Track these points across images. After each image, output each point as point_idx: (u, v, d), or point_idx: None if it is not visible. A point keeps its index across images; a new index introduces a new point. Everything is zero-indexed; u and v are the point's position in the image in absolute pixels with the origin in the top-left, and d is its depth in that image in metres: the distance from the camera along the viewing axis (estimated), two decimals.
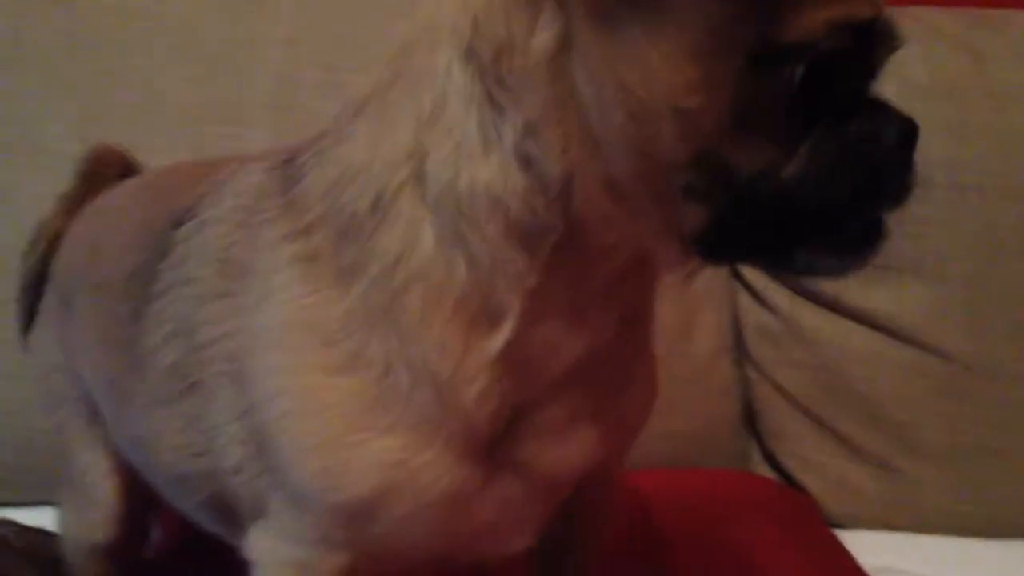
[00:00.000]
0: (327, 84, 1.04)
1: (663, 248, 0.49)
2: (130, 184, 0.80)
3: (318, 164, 0.54)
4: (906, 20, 0.92)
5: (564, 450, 0.55)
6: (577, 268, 0.49)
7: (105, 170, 0.83)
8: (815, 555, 0.90)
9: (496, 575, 0.69)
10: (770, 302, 1.11)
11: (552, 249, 0.48)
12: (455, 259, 0.48)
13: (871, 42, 0.46)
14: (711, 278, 1.12)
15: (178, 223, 0.63)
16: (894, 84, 1.09)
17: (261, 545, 0.58)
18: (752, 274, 1.13)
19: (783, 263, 0.48)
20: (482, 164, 0.47)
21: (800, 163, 0.44)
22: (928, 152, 1.05)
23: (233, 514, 0.61)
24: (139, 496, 0.74)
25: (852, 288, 1.06)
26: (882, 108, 0.47)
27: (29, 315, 0.81)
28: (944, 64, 1.08)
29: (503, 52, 0.46)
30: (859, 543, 0.95)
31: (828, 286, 1.07)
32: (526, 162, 0.46)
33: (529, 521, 0.57)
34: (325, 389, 0.52)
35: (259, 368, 0.54)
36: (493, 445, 0.52)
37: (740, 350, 1.14)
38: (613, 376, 0.55)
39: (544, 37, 0.45)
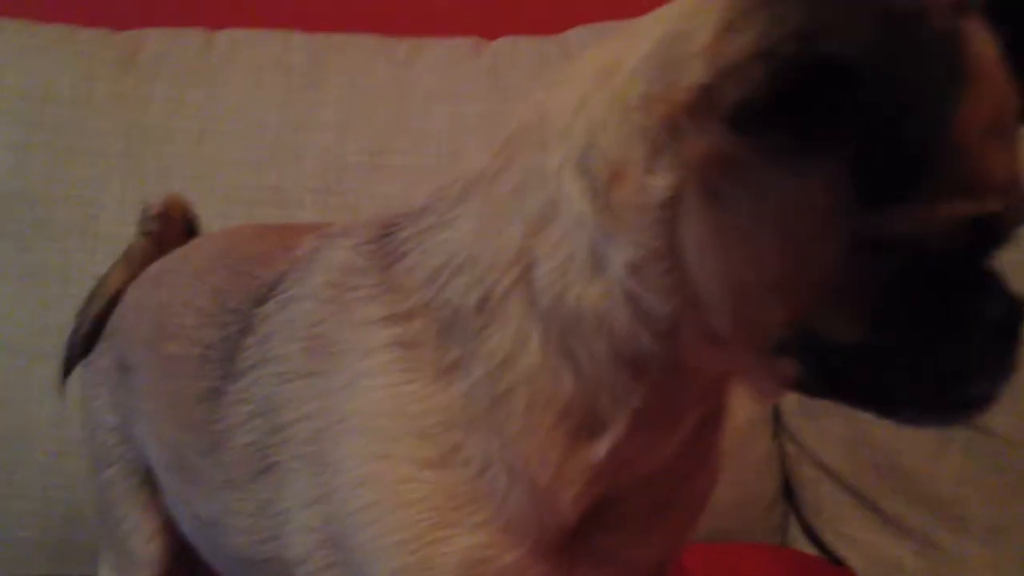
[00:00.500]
0: (372, 167, 1.09)
1: (760, 384, 0.50)
2: (198, 249, 0.79)
3: (420, 246, 0.52)
4: None
5: (645, 539, 0.55)
6: (677, 387, 0.49)
7: (170, 227, 0.83)
8: None
9: None
10: None
11: (659, 379, 0.48)
12: (562, 370, 0.48)
13: (1000, 231, 0.43)
14: None
15: (261, 300, 0.62)
16: None
17: None
18: None
19: (886, 415, 0.47)
20: (590, 285, 0.47)
21: (890, 340, 0.43)
22: None
23: None
24: (183, 559, 0.74)
25: None
26: (991, 285, 0.45)
27: (69, 367, 0.81)
28: None
29: (618, 178, 0.45)
30: None
31: None
32: (632, 298, 0.46)
33: None
34: (416, 482, 0.50)
35: (344, 454, 0.52)
36: (578, 537, 0.52)
37: (778, 423, 1.14)
38: (689, 466, 0.56)
39: (661, 181, 0.44)
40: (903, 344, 0.44)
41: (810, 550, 1.11)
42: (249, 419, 0.59)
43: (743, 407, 1.10)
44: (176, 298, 0.73)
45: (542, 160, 0.48)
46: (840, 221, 0.41)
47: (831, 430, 1.09)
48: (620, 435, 0.49)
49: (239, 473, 0.60)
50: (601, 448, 0.49)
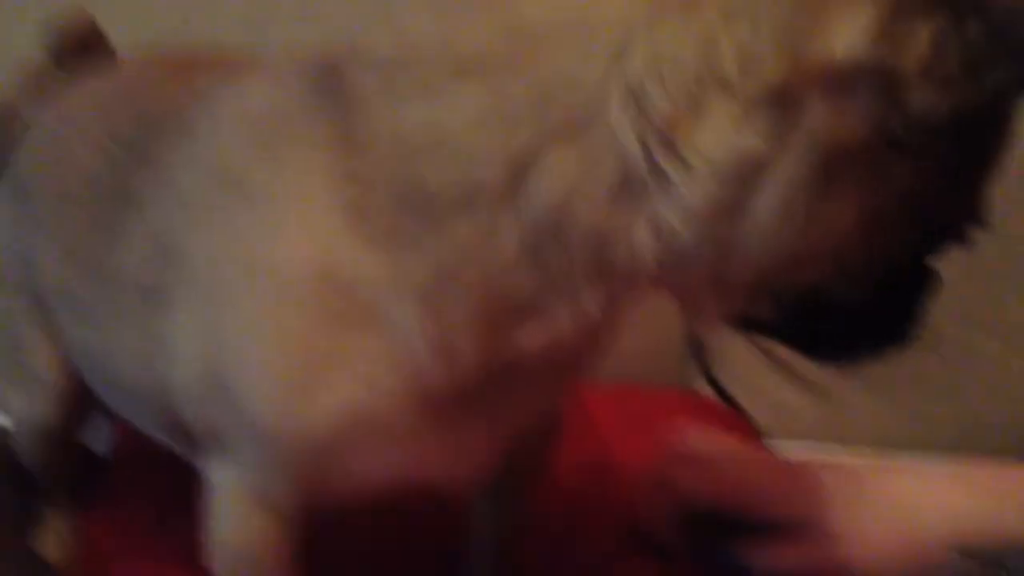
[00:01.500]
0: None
1: (709, 310, 0.50)
2: (102, 80, 0.76)
3: (392, 107, 0.47)
4: None
5: (531, 396, 0.56)
6: (629, 296, 0.50)
7: (76, 47, 0.79)
8: None
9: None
10: None
11: (622, 285, 0.48)
12: (527, 274, 0.46)
13: None
14: None
15: (161, 131, 0.60)
16: None
17: (219, 471, 0.59)
18: None
19: (809, 355, 0.54)
20: (612, 209, 0.43)
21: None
22: None
23: (188, 434, 0.60)
24: (85, 386, 0.74)
25: None
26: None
27: None
28: None
29: (685, 123, 0.41)
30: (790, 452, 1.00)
31: None
32: (663, 233, 0.43)
33: (486, 461, 0.58)
34: (323, 339, 0.49)
35: (247, 305, 0.51)
36: (473, 394, 0.51)
37: None
38: (590, 338, 0.56)
39: (755, 143, 0.41)
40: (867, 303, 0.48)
41: (709, 394, 1.16)
42: (144, 252, 0.58)
43: None
44: (73, 129, 0.70)
45: (579, 70, 0.43)
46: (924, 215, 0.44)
47: None
48: (558, 328, 0.48)
49: (130, 304, 0.60)
50: (537, 338, 0.49)
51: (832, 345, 0.52)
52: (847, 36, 0.39)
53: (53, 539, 0.85)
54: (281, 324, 0.50)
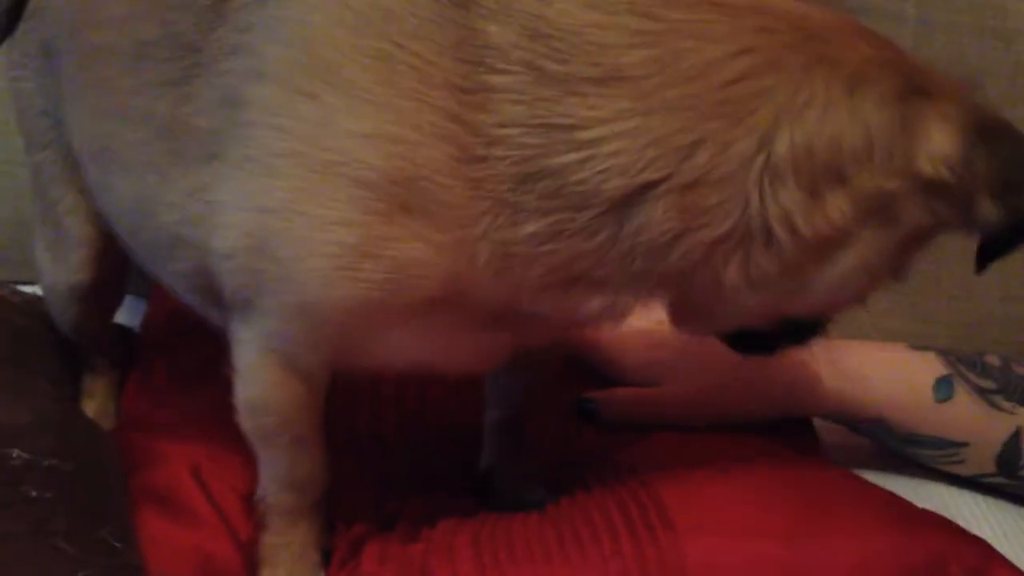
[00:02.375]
0: None
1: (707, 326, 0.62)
2: None
3: (534, 79, 0.49)
4: None
5: (545, 327, 0.61)
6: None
7: None
8: None
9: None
10: None
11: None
12: (606, 267, 0.53)
13: None
14: None
15: None
16: None
17: (250, 337, 0.60)
18: None
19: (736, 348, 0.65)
20: (704, 251, 0.52)
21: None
22: None
23: (219, 297, 0.61)
24: (116, 240, 0.75)
25: None
26: None
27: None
28: None
29: (803, 201, 0.51)
30: None
31: None
32: (748, 273, 0.53)
33: (503, 357, 0.64)
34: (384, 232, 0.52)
35: (313, 190, 0.52)
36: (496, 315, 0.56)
37: None
38: None
39: (846, 218, 0.52)
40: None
41: None
42: (214, 106, 0.57)
43: None
44: None
45: (728, 137, 0.49)
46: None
47: None
48: (606, 309, 0.55)
49: (185, 153, 0.60)
50: (584, 308, 0.55)
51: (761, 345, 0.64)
52: (941, 149, 0.51)
53: (94, 406, 0.87)
54: (344, 211, 0.51)
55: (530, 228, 0.51)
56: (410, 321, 0.55)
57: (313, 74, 0.52)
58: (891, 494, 0.69)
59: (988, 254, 0.55)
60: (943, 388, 0.82)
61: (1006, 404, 0.81)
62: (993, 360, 0.83)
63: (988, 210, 0.51)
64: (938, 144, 0.51)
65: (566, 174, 0.49)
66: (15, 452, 0.65)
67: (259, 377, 0.62)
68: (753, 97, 0.49)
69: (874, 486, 0.71)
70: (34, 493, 0.63)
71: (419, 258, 0.52)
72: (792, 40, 0.50)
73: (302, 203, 0.52)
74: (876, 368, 0.83)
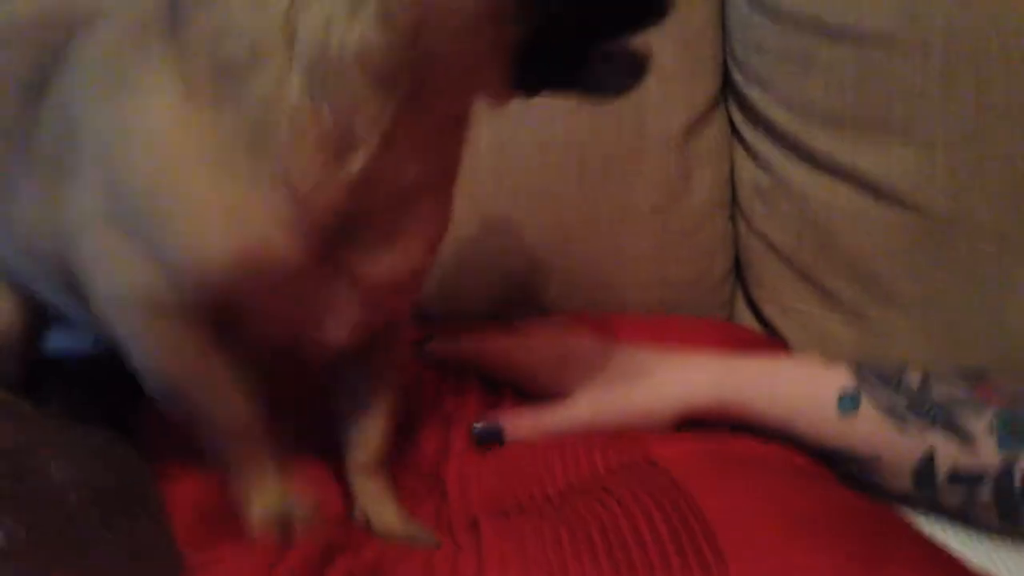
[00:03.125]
0: None
1: (485, 78, 0.62)
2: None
3: (202, 13, 0.62)
4: None
5: (384, 260, 0.67)
6: (420, 111, 0.61)
7: None
8: None
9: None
10: (764, 160, 1.17)
11: (404, 94, 0.60)
12: (320, 106, 0.60)
13: None
14: (711, 137, 1.18)
15: (62, 45, 0.72)
16: None
17: (113, 294, 0.67)
18: (750, 133, 1.18)
19: (575, 83, 0.63)
20: (350, 28, 0.58)
21: None
22: (931, 18, 1.09)
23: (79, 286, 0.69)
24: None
25: (845, 148, 1.11)
26: None
27: None
28: None
29: None
30: None
31: (820, 146, 1.12)
32: (383, 22, 0.58)
33: (351, 321, 0.70)
34: (199, 187, 0.62)
35: (135, 164, 0.64)
36: (331, 249, 0.64)
37: (735, 206, 1.21)
38: (427, 206, 0.68)
39: None
40: None
41: (752, 323, 1.20)
42: (56, 134, 0.69)
43: (702, 192, 1.16)
44: None
45: None
46: None
47: (783, 211, 1.16)
48: (372, 153, 0.61)
49: (42, 173, 0.70)
50: (356, 164, 0.61)
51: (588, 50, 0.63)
52: None
53: None
54: (172, 184, 0.63)
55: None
56: (267, 276, 0.64)
57: (109, 78, 0.67)
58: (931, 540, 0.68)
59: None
60: (847, 401, 0.81)
61: (915, 422, 0.79)
62: (913, 377, 0.82)
63: None
64: None
65: (230, 48, 0.61)
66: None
67: (139, 332, 0.68)
68: None
69: (910, 526, 0.70)
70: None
71: (256, 231, 0.62)
72: None
73: (147, 189, 0.64)
74: (781, 377, 0.84)
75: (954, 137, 1.07)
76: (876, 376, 0.82)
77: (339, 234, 0.64)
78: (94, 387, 0.87)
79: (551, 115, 1.10)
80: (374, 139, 0.61)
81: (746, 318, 1.21)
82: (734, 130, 1.21)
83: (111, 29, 0.70)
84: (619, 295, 1.15)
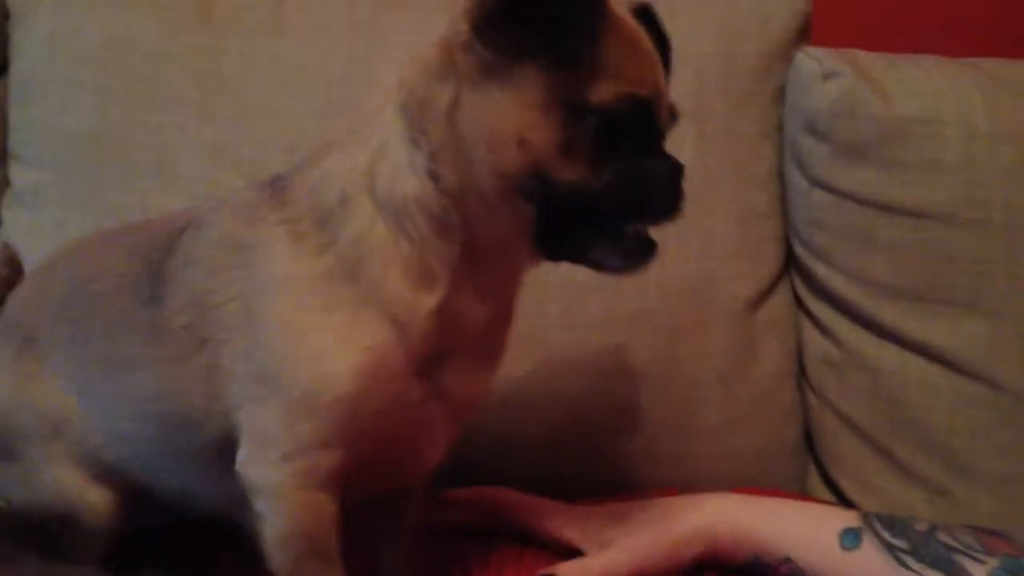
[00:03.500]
0: None
1: (517, 243, 0.74)
2: (81, 247, 0.92)
3: (299, 178, 0.77)
4: (971, 70, 1.05)
5: (469, 379, 0.79)
6: (479, 262, 0.74)
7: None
8: None
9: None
10: (831, 332, 1.18)
11: (462, 242, 0.73)
12: (399, 239, 0.73)
13: (653, 113, 0.73)
14: (776, 308, 1.20)
15: (172, 242, 0.81)
16: (959, 128, 1.17)
17: (264, 470, 0.74)
18: (816, 306, 1.20)
19: (585, 257, 0.74)
20: (410, 179, 0.72)
21: (601, 181, 0.70)
22: (990, 194, 1.12)
23: (228, 450, 0.75)
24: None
25: (913, 321, 1.13)
26: (664, 155, 0.74)
27: None
28: (1006, 111, 1.14)
29: (423, 107, 0.72)
30: None
31: (887, 319, 1.13)
32: (435, 178, 0.72)
33: (444, 435, 0.81)
34: (318, 320, 0.73)
35: (265, 311, 0.74)
36: (428, 373, 0.75)
37: (802, 377, 1.21)
38: (496, 339, 0.81)
39: (445, 93, 0.71)
40: (611, 179, 0.70)
41: (828, 497, 1.18)
42: (183, 307, 0.78)
43: (768, 362, 1.17)
44: (82, 273, 0.88)
45: (383, 117, 0.74)
46: (561, 92, 0.69)
47: (853, 384, 1.16)
48: (447, 288, 0.74)
49: (179, 350, 0.78)
50: (437, 294, 0.73)
51: (598, 235, 0.73)
52: (462, 20, 0.72)
53: None
54: (297, 321, 0.73)
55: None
56: (374, 387, 0.73)
57: (237, 250, 0.78)
58: None
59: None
60: (849, 538, 0.83)
61: (915, 565, 0.80)
62: (920, 525, 0.83)
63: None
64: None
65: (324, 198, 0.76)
66: None
67: (284, 506, 0.74)
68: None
69: None
70: None
71: (357, 342, 0.73)
72: None
73: (279, 329, 0.74)
74: (787, 511, 0.89)
75: (1021, 308, 1.08)
76: (882, 521, 0.84)
77: (433, 359, 0.75)
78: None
79: (620, 288, 1.14)
80: (447, 275, 0.73)
81: (820, 491, 1.19)
82: (799, 302, 1.23)
83: (221, 217, 0.80)
84: (690, 466, 1.14)
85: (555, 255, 0.75)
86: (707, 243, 1.17)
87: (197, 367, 0.77)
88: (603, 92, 0.69)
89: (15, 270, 0.97)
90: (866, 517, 0.85)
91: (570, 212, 0.70)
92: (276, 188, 0.78)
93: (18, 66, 1.21)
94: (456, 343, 0.76)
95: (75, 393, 0.85)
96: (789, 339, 1.21)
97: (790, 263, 1.24)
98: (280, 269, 0.74)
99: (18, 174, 1.22)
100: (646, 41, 0.74)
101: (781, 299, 1.21)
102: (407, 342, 0.73)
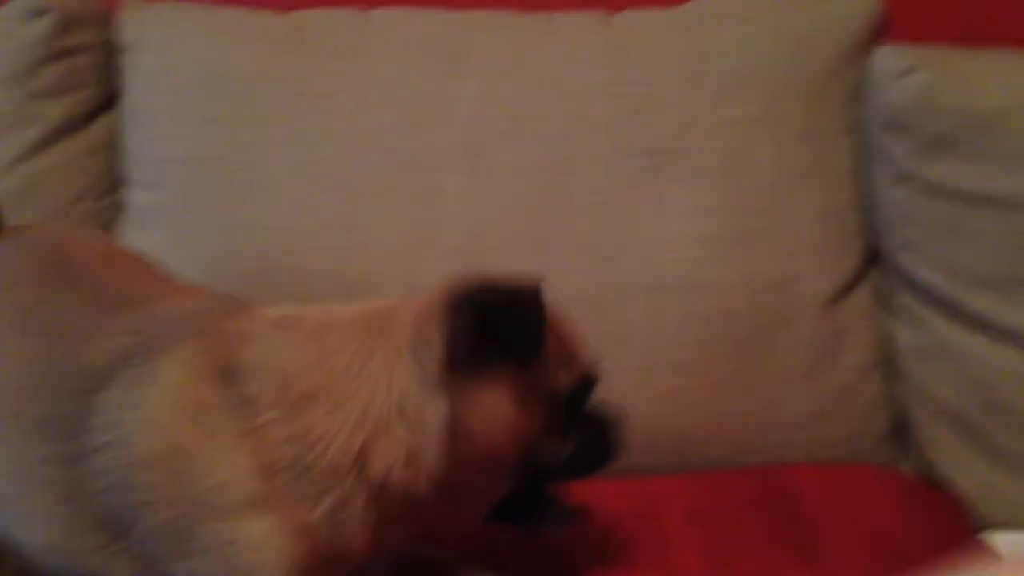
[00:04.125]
0: (512, 132, 1.20)
1: (472, 511, 0.85)
2: (15, 276, 0.88)
3: (286, 421, 0.75)
4: None
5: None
6: (448, 508, 0.80)
7: None
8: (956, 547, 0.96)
9: None
10: (919, 321, 1.19)
11: (428, 512, 0.80)
12: (372, 515, 0.77)
13: (592, 379, 0.86)
14: (861, 300, 1.21)
15: (98, 387, 0.77)
16: None
17: None
18: (902, 296, 1.21)
19: (519, 521, 0.86)
20: (405, 472, 0.76)
21: (570, 446, 0.84)
22: None
23: None
24: None
25: (1002, 309, 1.13)
26: (603, 407, 0.88)
27: None
28: None
29: (422, 417, 0.75)
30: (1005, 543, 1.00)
31: (977, 307, 1.14)
32: (429, 478, 0.77)
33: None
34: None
35: (213, 534, 0.74)
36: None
37: (890, 367, 1.21)
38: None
39: (442, 409, 0.76)
40: (574, 447, 0.84)
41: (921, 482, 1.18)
42: (106, 491, 0.76)
43: (854, 353, 1.18)
44: None
45: (376, 402, 0.76)
46: (539, 385, 0.80)
47: (945, 372, 1.16)
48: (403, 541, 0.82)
49: (102, 525, 0.77)
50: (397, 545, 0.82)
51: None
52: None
53: None
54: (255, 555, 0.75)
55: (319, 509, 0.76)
56: None
57: (186, 480, 0.75)
58: None
59: None
60: None
61: None
62: None
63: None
64: None
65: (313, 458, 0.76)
66: None
67: None
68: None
69: None
70: None
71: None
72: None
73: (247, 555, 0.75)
74: None
75: None
76: None
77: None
78: None
79: (704, 287, 1.16)
80: (410, 531, 0.81)
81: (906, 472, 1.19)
82: (884, 295, 1.23)
83: (154, 398, 0.76)
84: (778, 459, 1.16)
85: (495, 520, 0.86)
86: (791, 241, 1.19)
87: (112, 551, 0.77)
88: (564, 378, 0.82)
89: None
90: None
91: (537, 480, 0.84)
92: (245, 411, 0.76)
93: (130, 96, 1.30)
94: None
95: None
96: (873, 331, 1.21)
97: (872, 257, 1.24)
98: (234, 497, 0.74)
99: (132, 197, 1.31)
100: (567, 320, 0.85)
101: (864, 293, 1.22)
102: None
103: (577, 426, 0.84)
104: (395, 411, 0.76)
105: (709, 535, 1.01)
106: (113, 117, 1.33)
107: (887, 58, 1.20)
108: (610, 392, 0.88)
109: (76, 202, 1.31)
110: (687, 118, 1.19)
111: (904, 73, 1.17)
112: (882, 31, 1.24)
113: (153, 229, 1.26)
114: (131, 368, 0.78)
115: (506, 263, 1.04)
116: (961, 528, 1.06)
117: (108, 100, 1.33)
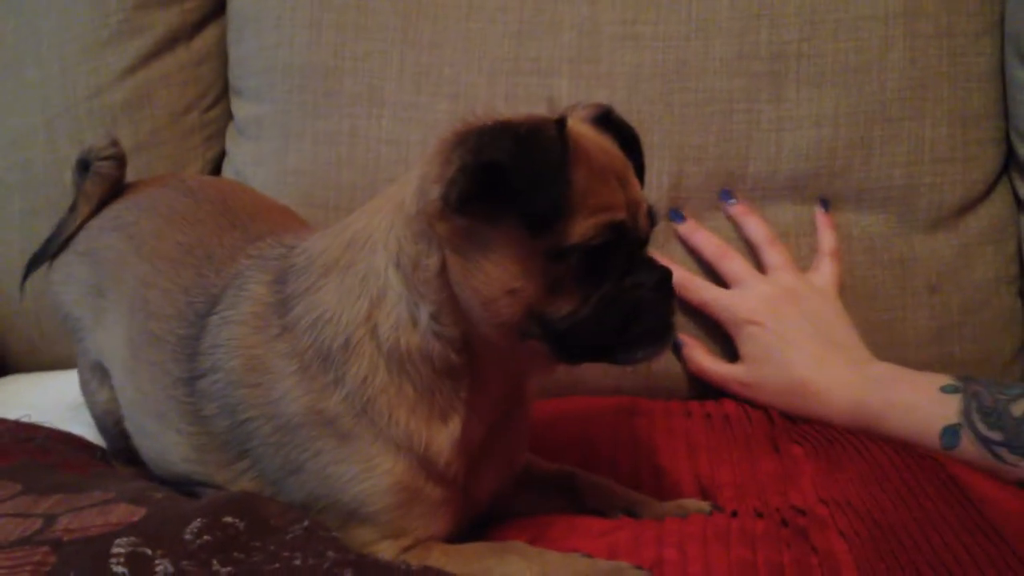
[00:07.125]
0: (624, 37, 1.16)
1: (530, 365, 0.80)
2: (168, 220, 0.96)
3: (302, 301, 0.80)
4: None
5: (495, 476, 0.84)
6: (483, 382, 0.79)
7: (117, 171, 1.02)
8: None
9: None
10: None
11: (470, 376, 0.78)
12: (404, 384, 0.77)
13: (630, 230, 0.74)
14: (992, 214, 1.15)
15: (208, 312, 0.85)
16: None
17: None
18: None
19: (612, 360, 0.76)
20: (413, 335, 0.76)
21: (591, 307, 0.74)
22: None
23: None
24: None
25: None
26: (648, 265, 0.76)
27: (29, 274, 1.05)
28: None
29: (416, 266, 0.75)
30: None
31: None
32: (438, 334, 0.76)
33: (468, 519, 0.84)
34: (340, 452, 0.78)
35: (290, 442, 0.79)
36: (454, 481, 0.80)
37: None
38: (510, 437, 0.85)
39: (434, 259, 0.75)
40: (602, 305, 0.73)
41: None
42: (218, 413, 0.83)
43: (984, 269, 1.13)
44: (147, 271, 0.93)
45: (375, 262, 0.78)
46: (537, 243, 0.71)
47: None
48: (463, 417, 0.78)
49: (220, 446, 0.84)
50: (455, 427, 0.78)
51: (613, 344, 0.75)
52: (435, 188, 0.74)
53: None
54: (325, 450, 0.79)
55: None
56: (422, 506, 0.80)
57: (257, 371, 0.82)
58: None
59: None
60: (948, 437, 0.90)
61: (1010, 457, 0.86)
62: (1017, 408, 0.87)
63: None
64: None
65: (329, 338, 0.79)
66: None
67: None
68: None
69: None
70: None
71: (398, 479, 0.79)
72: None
73: (311, 456, 0.80)
74: (896, 409, 0.95)
75: None
76: (981, 409, 0.89)
77: (457, 473, 0.80)
78: None
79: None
80: (460, 408, 0.79)
81: None
82: (1021, 205, 1.17)
83: (238, 314, 0.83)
84: None
85: (575, 361, 0.77)
86: (915, 149, 1.13)
87: (238, 471, 0.83)
88: (580, 229, 0.72)
89: (122, 169, 1.04)
90: (964, 406, 0.90)
91: (575, 336, 0.74)
92: (282, 299, 0.81)
93: (234, 5, 1.29)
94: (471, 454, 0.81)
95: (118, 380, 0.95)
96: (1008, 244, 1.15)
97: (1011, 166, 1.17)
98: (295, 406, 0.79)
99: (239, 107, 1.31)
100: (614, 156, 0.77)
101: (998, 204, 1.16)
102: (429, 467, 0.78)
103: (606, 280, 0.74)
104: (392, 267, 0.77)
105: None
106: (220, 26, 1.33)
107: None
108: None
109: (185, 113, 1.32)
110: (814, 18, 1.13)
111: None
112: None
113: (260, 139, 1.27)
114: (233, 289, 0.85)
115: None
116: None
117: (215, 9, 1.33)
